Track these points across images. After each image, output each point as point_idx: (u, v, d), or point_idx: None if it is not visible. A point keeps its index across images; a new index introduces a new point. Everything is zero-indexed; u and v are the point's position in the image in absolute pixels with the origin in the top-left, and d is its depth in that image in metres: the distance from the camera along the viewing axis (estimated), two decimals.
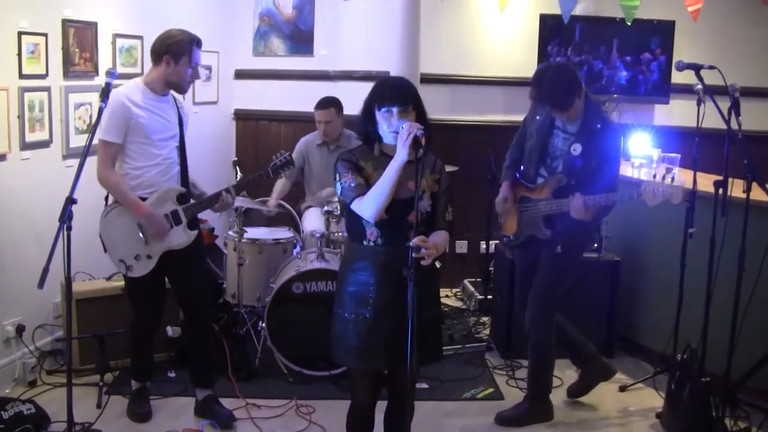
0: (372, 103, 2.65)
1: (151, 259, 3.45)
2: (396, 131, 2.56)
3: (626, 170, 4.60)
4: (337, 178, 2.69)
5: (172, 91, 3.53)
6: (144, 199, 3.41)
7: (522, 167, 3.76)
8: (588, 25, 5.68)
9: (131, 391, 3.72)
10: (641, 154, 4.76)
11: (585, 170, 3.47)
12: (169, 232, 3.44)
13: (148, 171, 3.43)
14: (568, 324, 3.95)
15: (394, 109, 2.59)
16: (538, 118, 3.67)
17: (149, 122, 3.40)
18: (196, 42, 3.46)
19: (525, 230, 3.72)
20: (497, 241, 5.04)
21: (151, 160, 3.43)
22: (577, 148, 3.50)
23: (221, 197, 3.50)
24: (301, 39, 5.95)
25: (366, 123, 2.69)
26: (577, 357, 4.02)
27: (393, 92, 2.61)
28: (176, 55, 3.38)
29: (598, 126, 3.48)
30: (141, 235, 3.42)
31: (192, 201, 3.56)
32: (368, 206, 2.58)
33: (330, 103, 4.91)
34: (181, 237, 3.49)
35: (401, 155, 2.50)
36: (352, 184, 2.63)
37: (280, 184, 5.07)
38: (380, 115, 2.63)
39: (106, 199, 3.52)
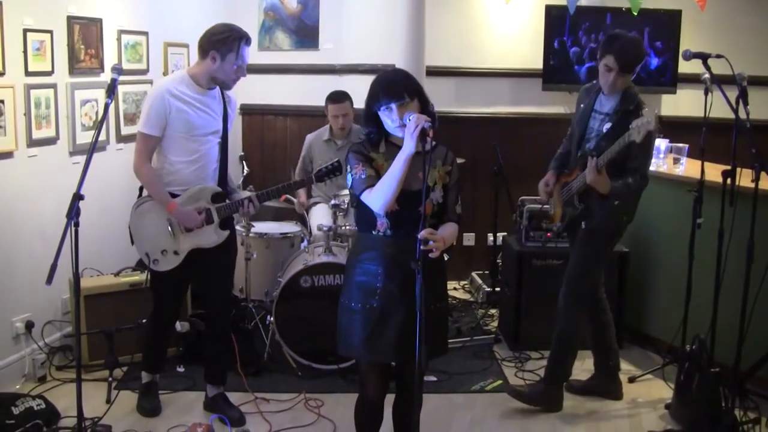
0: (371, 105, 2.65)
1: (178, 255, 3.42)
2: (403, 124, 2.54)
3: None
4: (348, 170, 2.68)
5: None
6: (176, 196, 3.38)
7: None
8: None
9: (140, 385, 3.73)
10: None
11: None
12: (202, 228, 3.40)
13: (184, 168, 3.38)
14: (611, 326, 3.91)
15: (393, 105, 2.58)
16: (581, 106, 3.71)
17: (191, 116, 3.33)
18: (245, 39, 3.35)
19: (565, 214, 3.76)
20: (504, 233, 5.05)
21: (188, 156, 3.37)
22: (607, 126, 3.53)
23: (243, 206, 3.44)
24: (306, 33, 5.94)
25: (368, 125, 2.70)
26: (603, 361, 3.95)
27: (386, 89, 2.60)
28: (222, 51, 3.29)
29: (631, 108, 3.48)
30: (170, 230, 3.39)
31: (227, 201, 3.49)
32: (377, 198, 2.58)
33: (345, 96, 4.91)
34: (211, 236, 3.44)
35: (408, 147, 2.49)
36: (362, 176, 2.63)
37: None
38: (382, 114, 2.63)
39: (141, 190, 3.49)
